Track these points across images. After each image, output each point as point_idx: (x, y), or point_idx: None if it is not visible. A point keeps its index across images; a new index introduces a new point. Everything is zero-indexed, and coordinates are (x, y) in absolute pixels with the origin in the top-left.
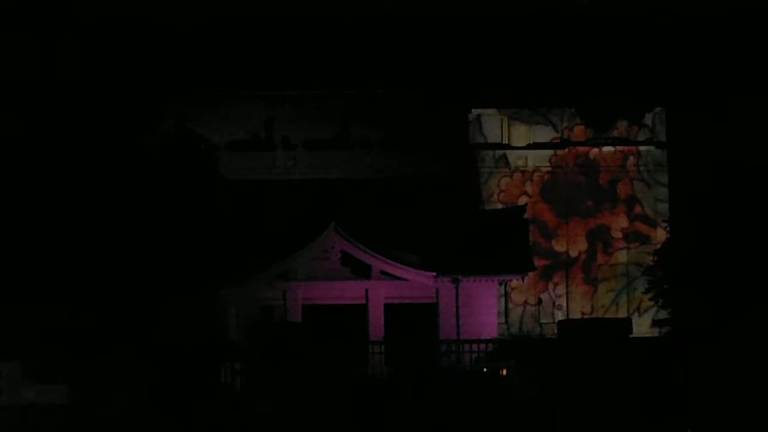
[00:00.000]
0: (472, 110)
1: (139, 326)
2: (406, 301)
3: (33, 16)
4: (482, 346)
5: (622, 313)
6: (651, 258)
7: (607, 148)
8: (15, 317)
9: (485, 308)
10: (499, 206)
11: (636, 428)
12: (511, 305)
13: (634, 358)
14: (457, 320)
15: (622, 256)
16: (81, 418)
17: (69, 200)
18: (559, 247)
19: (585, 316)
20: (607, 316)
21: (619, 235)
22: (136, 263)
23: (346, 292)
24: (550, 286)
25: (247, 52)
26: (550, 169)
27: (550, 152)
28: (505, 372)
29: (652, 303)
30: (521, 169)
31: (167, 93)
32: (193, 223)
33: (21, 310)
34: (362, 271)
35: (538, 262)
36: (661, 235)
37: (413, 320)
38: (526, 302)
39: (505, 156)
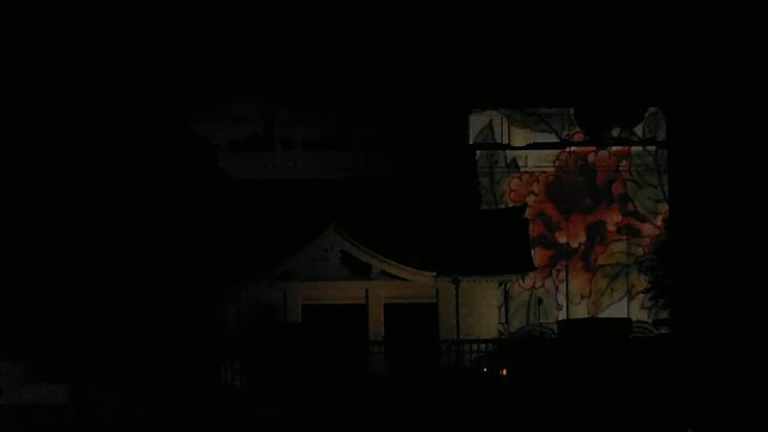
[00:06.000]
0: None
1: (139, 326)
2: (406, 301)
3: (33, 17)
4: (482, 346)
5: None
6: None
7: (602, 152)
8: (15, 317)
9: (485, 308)
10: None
11: (636, 428)
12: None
13: (634, 358)
14: (457, 320)
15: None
16: (81, 418)
17: (70, 200)
18: (561, 239)
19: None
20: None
21: (614, 228)
22: (136, 263)
23: (346, 292)
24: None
25: (248, 51)
26: (553, 171)
27: (553, 156)
28: (505, 372)
29: (648, 297)
30: (528, 171)
31: (167, 93)
32: (193, 223)
33: (21, 310)
34: (362, 271)
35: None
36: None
37: (413, 320)
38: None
39: (515, 159)
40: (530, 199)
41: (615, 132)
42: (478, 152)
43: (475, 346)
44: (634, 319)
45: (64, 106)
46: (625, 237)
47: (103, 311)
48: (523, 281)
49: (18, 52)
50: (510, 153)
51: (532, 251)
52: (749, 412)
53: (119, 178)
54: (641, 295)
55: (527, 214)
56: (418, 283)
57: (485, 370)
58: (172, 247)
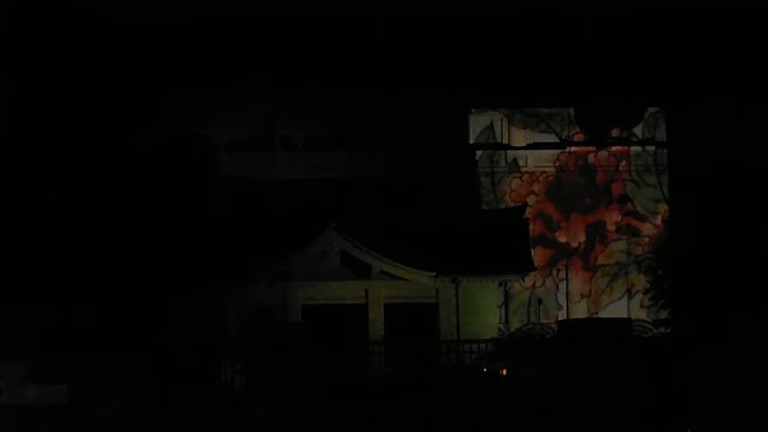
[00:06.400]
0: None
1: (139, 326)
2: (406, 301)
3: (33, 16)
4: (482, 346)
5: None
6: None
7: (602, 152)
8: (15, 317)
9: (485, 308)
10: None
11: (636, 429)
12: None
13: (634, 358)
14: (457, 320)
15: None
16: (81, 418)
17: (69, 200)
18: (561, 238)
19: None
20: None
21: (614, 228)
22: (136, 263)
23: (346, 292)
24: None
25: (248, 51)
26: (553, 171)
27: (553, 156)
28: (505, 372)
29: (648, 297)
30: (529, 171)
31: (167, 93)
32: (192, 223)
33: (21, 310)
34: (362, 271)
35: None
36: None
37: (413, 320)
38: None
39: (515, 159)
40: (531, 199)
41: (615, 132)
42: (479, 152)
43: (475, 346)
44: (634, 318)
45: (65, 106)
46: (624, 237)
47: (103, 311)
48: (524, 281)
49: (18, 51)
50: (510, 153)
51: (532, 251)
52: (749, 411)
53: (120, 178)
54: (641, 295)
55: (527, 214)
56: (418, 283)
57: (485, 370)
58: (172, 247)
